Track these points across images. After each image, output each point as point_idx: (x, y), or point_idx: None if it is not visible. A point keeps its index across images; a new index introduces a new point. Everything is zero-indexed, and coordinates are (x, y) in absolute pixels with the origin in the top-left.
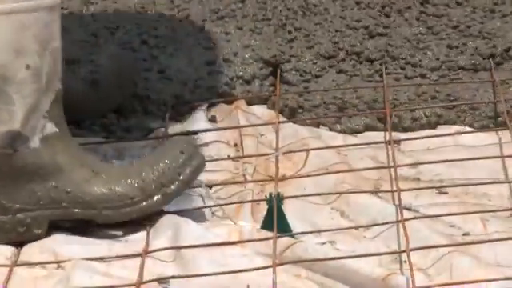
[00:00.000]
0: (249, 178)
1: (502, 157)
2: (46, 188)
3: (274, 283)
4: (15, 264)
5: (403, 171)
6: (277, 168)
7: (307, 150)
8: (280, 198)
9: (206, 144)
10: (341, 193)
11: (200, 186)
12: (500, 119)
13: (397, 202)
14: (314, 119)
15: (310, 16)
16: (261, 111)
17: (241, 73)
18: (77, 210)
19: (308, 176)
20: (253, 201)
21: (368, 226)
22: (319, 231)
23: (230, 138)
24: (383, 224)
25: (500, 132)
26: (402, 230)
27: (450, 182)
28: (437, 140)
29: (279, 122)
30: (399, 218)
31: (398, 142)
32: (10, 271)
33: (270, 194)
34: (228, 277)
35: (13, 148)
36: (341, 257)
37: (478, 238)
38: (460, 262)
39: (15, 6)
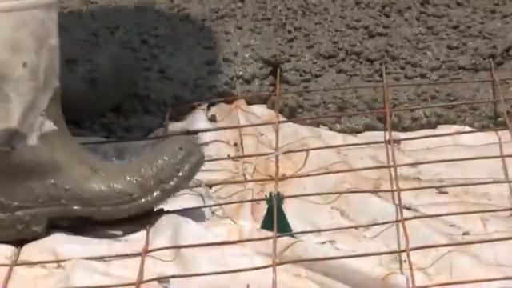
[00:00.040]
0: (249, 177)
1: (502, 156)
2: (45, 185)
3: (274, 283)
4: (15, 263)
5: (403, 171)
6: (277, 167)
7: (307, 150)
8: (280, 198)
9: (206, 143)
10: (341, 192)
11: (200, 186)
12: (500, 119)
13: (397, 202)
14: (313, 119)
15: (310, 16)
16: (261, 111)
17: (241, 72)
18: (76, 208)
19: (308, 175)
20: (253, 200)
21: (368, 226)
22: (319, 231)
23: (229, 137)
24: (383, 223)
25: (500, 132)
26: (401, 229)
27: (449, 181)
28: (437, 140)
29: (279, 122)
30: (399, 218)
31: (397, 141)
32: (10, 270)
33: (270, 194)
34: (228, 276)
35: (10, 146)
36: (341, 256)
37: (477, 237)
38: (460, 262)
39: (15, 3)
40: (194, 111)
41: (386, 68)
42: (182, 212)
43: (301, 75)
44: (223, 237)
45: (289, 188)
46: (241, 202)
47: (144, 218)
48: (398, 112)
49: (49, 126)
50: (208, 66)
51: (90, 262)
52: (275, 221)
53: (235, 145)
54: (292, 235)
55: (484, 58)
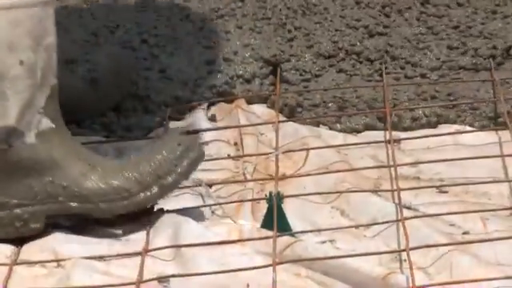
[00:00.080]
0: (249, 176)
1: (502, 156)
2: (43, 183)
3: (274, 282)
4: (15, 263)
5: (403, 170)
6: (277, 167)
7: (307, 149)
8: (280, 197)
9: (206, 143)
10: (341, 192)
11: (200, 185)
12: (500, 119)
13: (397, 201)
14: (313, 118)
15: (310, 15)
16: (261, 110)
17: (241, 72)
18: (73, 205)
19: (308, 175)
20: (253, 200)
21: (368, 225)
22: (319, 230)
23: (230, 136)
24: (383, 223)
25: (500, 131)
26: (401, 228)
27: (450, 181)
28: (437, 139)
29: (279, 121)
30: (399, 217)
31: (398, 141)
32: (10, 270)
33: (270, 193)
34: (228, 275)
35: (8, 143)
36: (341, 256)
37: (477, 236)
38: (460, 261)
39: (15, 0)
40: (194, 111)
41: (385, 68)
42: (182, 211)
43: (301, 75)
44: (223, 236)
45: (289, 187)
46: (241, 201)
47: (144, 217)
48: (398, 112)
49: (46, 123)
50: (208, 66)
51: (90, 261)
52: (275, 220)
53: (235, 144)
54: (292, 234)
55: (484, 58)
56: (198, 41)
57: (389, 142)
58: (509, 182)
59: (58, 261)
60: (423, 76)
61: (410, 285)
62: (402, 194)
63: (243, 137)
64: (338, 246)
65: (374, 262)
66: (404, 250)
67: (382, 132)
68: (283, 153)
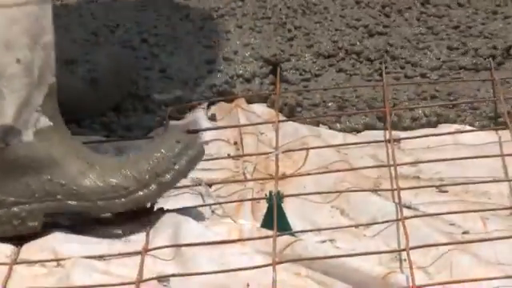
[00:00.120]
0: (249, 176)
1: (502, 155)
2: (41, 181)
3: (274, 281)
4: (15, 262)
5: (403, 170)
6: (277, 166)
7: (307, 149)
8: (280, 197)
9: (206, 142)
10: (341, 191)
11: (200, 185)
12: (500, 119)
13: (397, 201)
14: (313, 118)
15: (310, 15)
16: (261, 110)
17: (241, 71)
18: (72, 203)
19: (308, 174)
20: (253, 199)
21: (368, 225)
22: (319, 229)
23: (230, 136)
24: (383, 222)
25: (500, 131)
26: (401, 228)
27: (449, 180)
28: (437, 138)
29: (279, 121)
30: (399, 217)
31: (397, 140)
32: (10, 269)
33: (270, 193)
34: (228, 275)
35: (5, 142)
36: (341, 255)
37: (477, 236)
38: (460, 261)
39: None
40: (194, 110)
41: (385, 67)
42: (182, 211)
43: (301, 74)
44: (223, 236)
45: (289, 187)
46: (241, 200)
47: (144, 216)
48: (398, 111)
49: (44, 121)
50: (208, 65)
51: (90, 260)
52: (275, 220)
53: (235, 144)
54: (292, 234)
55: (484, 58)
56: (198, 40)
57: (389, 141)
58: (509, 181)
59: (57, 260)
60: (423, 76)
61: (410, 284)
62: (402, 193)
63: (243, 136)
64: (337, 245)
65: (374, 261)
66: (404, 250)
67: (382, 131)
68: (283, 152)
